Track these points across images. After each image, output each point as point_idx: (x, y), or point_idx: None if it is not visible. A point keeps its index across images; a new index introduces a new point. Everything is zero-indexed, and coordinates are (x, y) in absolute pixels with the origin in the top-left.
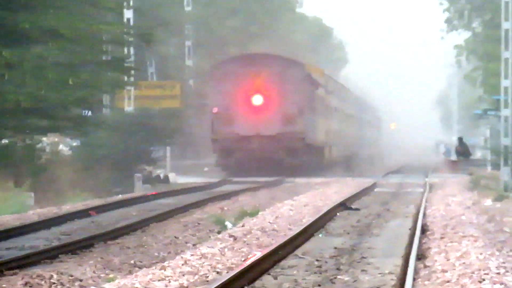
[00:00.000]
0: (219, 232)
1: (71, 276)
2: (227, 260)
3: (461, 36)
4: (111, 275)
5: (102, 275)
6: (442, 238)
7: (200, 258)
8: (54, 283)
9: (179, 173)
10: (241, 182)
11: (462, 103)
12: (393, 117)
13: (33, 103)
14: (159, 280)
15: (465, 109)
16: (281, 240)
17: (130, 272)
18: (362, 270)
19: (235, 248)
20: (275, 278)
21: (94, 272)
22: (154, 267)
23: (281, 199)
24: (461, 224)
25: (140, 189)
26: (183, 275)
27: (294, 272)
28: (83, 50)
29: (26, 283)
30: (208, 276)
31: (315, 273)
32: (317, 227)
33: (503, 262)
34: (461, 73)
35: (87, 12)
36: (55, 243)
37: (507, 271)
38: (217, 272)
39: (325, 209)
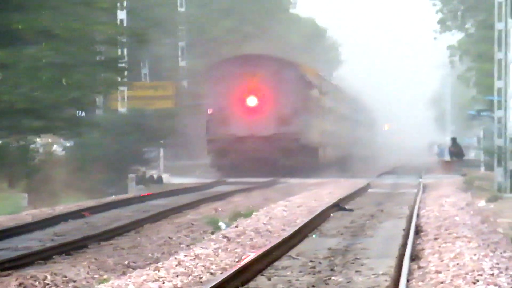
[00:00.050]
0: (212, 233)
1: (65, 277)
2: (221, 261)
3: (455, 36)
4: (104, 276)
5: (95, 276)
6: (436, 239)
7: (194, 259)
8: (48, 284)
9: (173, 174)
10: (235, 183)
11: (456, 104)
12: (387, 118)
13: (27, 103)
14: (152, 281)
15: (459, 110)
16: (275, 241)
17: (124, 273)
18: (356, 271)
19: (228, 249)
20: (269, 279)
21: (87, 273)
22: (147, 268)
23: (275, 200)
24: (455, 225)
25: (133, 190)
26: (177, 276)
27: (288, 273)
28: (77, 50)
29: (20, 284)
30: (201, 277)
31: (309, 274)
32: (311, 228)
33: (497, 263)
34: (455, 73)
35: (80, 12)
36: (49, 244)
37: (501, 272)
38: (211, 273)
39: (319, 210)
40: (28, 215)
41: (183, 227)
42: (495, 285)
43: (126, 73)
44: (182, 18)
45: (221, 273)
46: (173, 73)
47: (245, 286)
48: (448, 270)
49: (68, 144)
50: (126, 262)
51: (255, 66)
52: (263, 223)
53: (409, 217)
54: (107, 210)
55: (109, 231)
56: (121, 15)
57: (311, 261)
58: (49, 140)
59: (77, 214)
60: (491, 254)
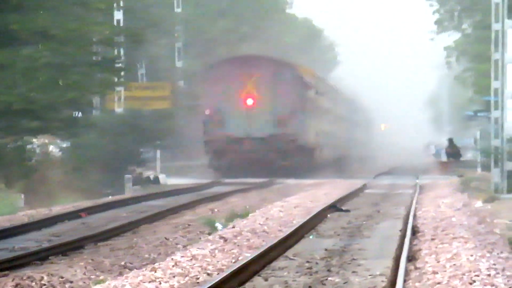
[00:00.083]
0: (209, 234)
1: (62, 277)
2: (218, 261)
3: (451, 37)
4: (101, 277)
5: (92, 277)
6: (432, 239)
7: (191, 259)
8: (44, 284)
9: (170, 174)
10: (232, 184)
11: (453, 104)
12: (384, 118)
13: (24, 104)
14: (149, 282)
15: (456, 110)
16: (271, 241)
17: (121, 274)
18: (353, 272)
19: (225, 250)
20: (266, 279)
21: (84, 273)
22: (144, 269)
23: (271, 200)
24: (451, 225)
25: (130, 191)
26: (174, 276)
27: (285, 273)
28: (74, 51)
29: (16, 285)
30: (198, 278)
31: (305, 274)
32: (308, 229)
33: (494, 264)
34: (452, 74)
35: (77, 13)
36: (46, 244)
37: (498, 273)
38: (208, 274)
39: (315, 211)
40: (24, 215)
41: (179, 228)
42: (492, 285)
43: (122, 73)
44: (179, 18)
45: (217, 274)
46: (169, 73)
47: (241, 287)
48: (445, 271)
49: (64, 145)
50: (122, 263)
51: (252, 67)
52: (259, 223)
53: (406, 217)
54: (103, 210)
55: (105, 231)
56: (118, 15)
57: (307, 261)
58: (46, 141)
59: (73, 215)
60: (488, 254)
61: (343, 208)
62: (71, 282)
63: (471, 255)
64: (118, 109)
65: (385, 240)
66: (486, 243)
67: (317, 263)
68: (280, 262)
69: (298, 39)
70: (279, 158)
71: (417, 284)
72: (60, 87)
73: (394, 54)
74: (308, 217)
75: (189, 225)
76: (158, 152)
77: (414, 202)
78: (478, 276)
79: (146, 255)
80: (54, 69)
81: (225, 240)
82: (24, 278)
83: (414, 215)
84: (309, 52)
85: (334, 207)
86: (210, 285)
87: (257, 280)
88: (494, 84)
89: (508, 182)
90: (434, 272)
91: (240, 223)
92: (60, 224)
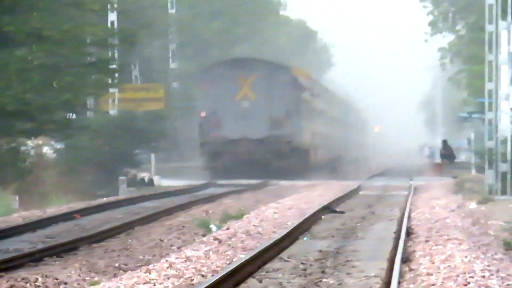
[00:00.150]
0: (204, 235)
1: (56, 279)
2: (212, 263)
3: (445, 38)
4: (95, 278)
5: (87, 278)
6: (427, 241)
7: (185, 261)
8: (39, 286)
9: (164, 176)
10: (226, 185)
11: (447, 106)
12: (378, 120)
13: (18, 105)
14: (144, 283)
15: (450, 112)
16: (266, 243)
17: (115, 275)
18: (347, 273)
19: (220, 251)
20: (260, 281)
21: (79, 275)
22: (138, 270)
23: (265, 202)
24: (446, 227)
25: (124, 192)
26: (168, 278)
27: (279, 275)
28: (68, 52)
29: (11, 286)
30: (193, 279)
31: (300, 276)
32: (302, 230)
33: (488, 265)
34: (446, 75)
35: (71, 14)
36: (40, 246)
37: (492, 274)
38: (202, 275)
39: (309, 212)
40: (19, 217)
41: (174, 229)
42: (486, 287)
43: (116, 75)
44: (173, 20)
45: (212, 275)
46: (163, 75)
47: None
48: (439, 272)
49: (58, 146)
50: (117, 264)
51: (248, 69)
52: (254, 225)
53: (400, 219)
54: (98, 212)
55: (100, 233)
56: (112, 16)
57: (302, 263)
58: (40, 142)
59: (68, 216)
60: (482, 256)
61: (338, 209)
62: (66, 283)
63: (466, 257)
64: (112, 111)
65: (379, 242)
66: (481, 244)
67: (311, 265)
68: (274, 264)
69: (292, 41)
70: (274, 159)
71: (411, 285)
72: (54, 88)
73: (388, 55)
74: (302, 219)
75: (183, 226)
76: (153, 154)
77: (408, 203)
78: (472, 277)
79: (141, 257)
80: (48, 70)
81: (220, 241)
82: (19, 279)
83: (409, 217)
84: (304, 54)
85: (328, 208)
86: (204, 286)
87: (252, 282)
88: (488, 86)
89: (502, 183)
90: (429, 274)
91: (235, 224)
92: (54, 225)
